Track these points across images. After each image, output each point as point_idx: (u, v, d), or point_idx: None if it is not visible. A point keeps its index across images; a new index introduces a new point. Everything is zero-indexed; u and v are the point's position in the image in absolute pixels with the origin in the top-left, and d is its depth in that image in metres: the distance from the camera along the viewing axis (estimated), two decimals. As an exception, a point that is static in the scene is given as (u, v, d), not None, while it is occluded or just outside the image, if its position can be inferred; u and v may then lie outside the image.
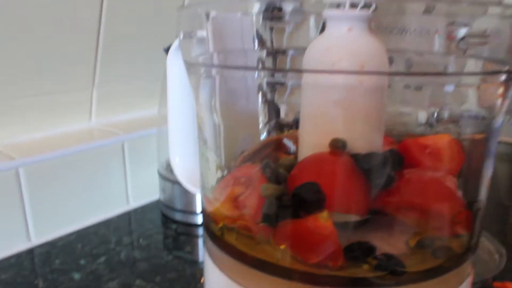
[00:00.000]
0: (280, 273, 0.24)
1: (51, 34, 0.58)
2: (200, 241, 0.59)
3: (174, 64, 0.35)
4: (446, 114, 0.31)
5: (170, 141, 0.37)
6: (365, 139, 0.27)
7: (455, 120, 0.30)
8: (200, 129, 0.29)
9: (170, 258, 0.54)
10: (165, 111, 0.38)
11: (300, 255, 0.23)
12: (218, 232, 0.26)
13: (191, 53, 0.30)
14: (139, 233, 0.60)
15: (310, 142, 0.27)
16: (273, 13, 0.30)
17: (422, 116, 0.33)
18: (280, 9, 0.32)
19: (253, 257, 0.25)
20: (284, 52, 0.35)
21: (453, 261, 0.25)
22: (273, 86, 0.35)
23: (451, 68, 0.31)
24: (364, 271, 0.23)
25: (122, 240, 0.58)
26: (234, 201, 0.26)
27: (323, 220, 0.22)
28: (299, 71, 0.27)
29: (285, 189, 0.25)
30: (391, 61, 0.31)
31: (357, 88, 0.25)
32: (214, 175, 0.29)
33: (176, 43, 0.36)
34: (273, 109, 0.34)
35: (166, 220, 0.64)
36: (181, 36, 0.29)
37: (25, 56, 0.57)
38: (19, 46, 0.56)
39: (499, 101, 0.26)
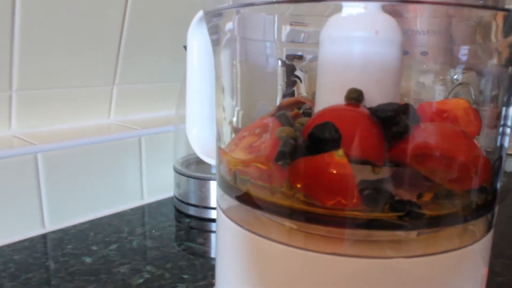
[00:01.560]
0: (294, 216, 0.24)
1: (78, 32, 0.60)
2: (213, 235, 0.58)
3: (195, 35, 0.35)
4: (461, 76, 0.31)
5: (187, 113, 0.37)
6: (381, 94, 0.26)
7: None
8: (217, 78, 0.29)
9: (181, 248, 0.53)
10: (183, 112, 0.38)
11: (315, 196, 0.23)
12: (231, 181, 0.26)
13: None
14: (152, 225, 0.60)
15: (327, 97, 0.27)
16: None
17: (439, 83, 0.33)
18: (300, 57, 0.33)
19: (266, 201, 0.24)
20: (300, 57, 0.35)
21: (472, 211, 0.24)
22: (292, 59, 0.35)
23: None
24: (381, 213, 0.22)
25: (134, 230, 0.57)
26: (249, 147, 0.26)
27: (338, 158, 0.22)
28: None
29: (300, 135, 0.24)
30: (405, 53, 0.31)
31: (372, 39, 0.25)
32: (227, 125, 0.29)
33: (197, 17, 0.36)
34: (291, 79, 0.34)
35: (180, 214, 0.63)
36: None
37: (52, 49, 0.58)
38: (45, 38, 0.57)
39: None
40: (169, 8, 0.67)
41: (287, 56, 0.34)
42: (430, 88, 0.33)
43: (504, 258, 0.51)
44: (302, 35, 0.34)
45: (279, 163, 0.23)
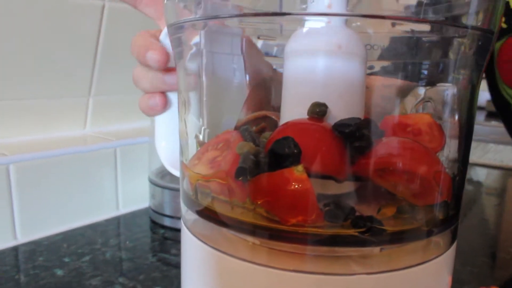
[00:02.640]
0: (257, 232, 0.23)
1: (52, 40, 0.58)
2: (187, 246, 0.57)
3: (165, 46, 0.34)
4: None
5: (156, 126, 0.36)
6: (345, 109, 0.25)
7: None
8: (180, 92, 0.28)
9: (155, 259, 0.52)
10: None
11: (276, 212, 0.22)
12: (193, 195, 0.25)
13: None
14: (127, 236, 0.58)
15: (291, 111, 0.26)
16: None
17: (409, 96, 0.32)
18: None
19: (228, 217, 0.23)
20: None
21: (434, 225, 0.23)
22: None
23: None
24: (342, 229, 0.22)
25: (108, 241, 0.56)
26: (211, 162, 0.24)
27: (298, 173, 0.21)
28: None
29: (262, 150, 0.23)
30: (371, 67, 0.31)
31: (335, 54, 0.24)
32: (193, 140, 0.28)
33: (165, 30, 0.35)
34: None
35: (155, 225, 0.62)
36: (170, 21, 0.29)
37: (25, 59, 0.57)
38: (20, 49, 0.55)
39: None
40: (145, 18, 0.66)
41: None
42: (397, 102, 0.32)
43: (471, 266, 0.51)
44: (275, 48, 0.33)
45: (239, 179, 0.22)
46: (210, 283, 0.25)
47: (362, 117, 0.26)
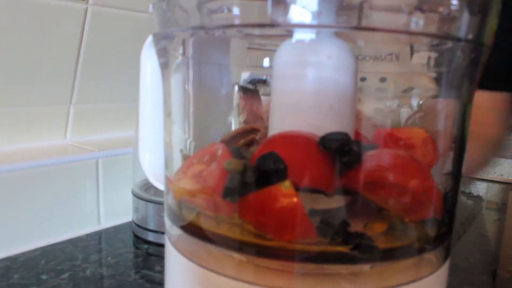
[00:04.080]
0: (243, 249, 0.23)
1: (32, 46, 0.59)
2: (172, 262, 0.57)
3: (149, 56, 0.35)
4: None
5: (139, 137, 0.36)
6: (335, 121, 0.26)
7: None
8: (164, 102, 0.28)
9: (138, 276, 0.52)
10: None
11: (266, 230, 0.22)
12: (177, 210, 0.25)
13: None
14: (108, 252, 0.58)
15: (280, 124, 0.27)
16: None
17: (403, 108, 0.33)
18: (264, 82, 0.33)
19: (214, 233, 0.24)
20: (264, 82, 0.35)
21: (426, 242, 0.24)
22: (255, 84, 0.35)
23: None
24: (331, 246, 0.22)
25: (89, 257, 0.56)
26: (196, 176, 0.25)
27: (285, 189, 0.22)
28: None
29: (249, 165, 0.24)
30: (363, 79, 0.32)
31: (325, 64, 0.25)
32: (178, 153, 0.28)
33: (149, 38, 0.36)
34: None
35: (138, 240, 0.62)
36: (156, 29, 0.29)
37: (2, 66, 0.57)
38: (1, 56, 0.56)
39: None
40: (128, 26, 0.67)
41: (251, 81, 0.34)
42: (391, 114, 0.33)
43: (469, 285, 0.51)
44: (268, 59, 0.34)
45: (227, 199, 0.23)
46: (194, 301, 0.25)
47: (353, 129, 0.27)
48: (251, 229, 0.23)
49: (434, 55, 0.28)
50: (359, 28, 0.23)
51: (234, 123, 0.35)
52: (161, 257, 0.57)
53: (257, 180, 0.23)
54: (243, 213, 0.23)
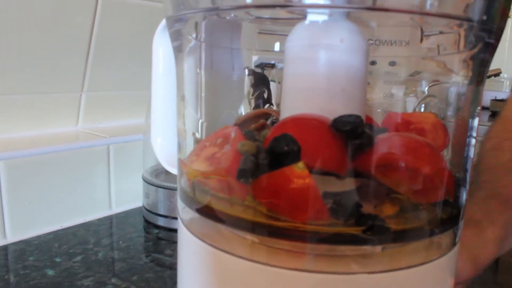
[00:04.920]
0: (256, 230, 0.23)
1: (44, 35, 0.58)
2: (182, 247, 0.57)
3: (161, 41, 0.34)
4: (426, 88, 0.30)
5: (152, 122, 0.36)
6: (347, 103, 0.26)
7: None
8: (178, 86, 0.28)
9: (149, 260, 0.52)
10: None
11: (280, 211, 0.22)
12: (191, 193, 0.25)
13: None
14: (119, 236, 0.58)
15: (292, 107, 0.26)
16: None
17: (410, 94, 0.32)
18: (273, 66, 0.33)
19: (227, 214, 0.23)
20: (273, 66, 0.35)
21: (437, 225, 0.24)
22: (264, 67, 0.34)
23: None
24: (344, 227, 0.22)
25: (101, 241, 0.56)
26: (209, 159, 0.25)
27: (299, 171, 0.21)
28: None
29: (262, 147, 0.24)
30: (373, 63, 0.31)
31: (337, 47, 0.25)
32: (190, 137, 0.28)
33: (162, 23, 0.35)
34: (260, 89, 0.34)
35: (148, 225, 0.62)
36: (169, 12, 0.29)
37: (15, 52, 0.57)
38: (11, 42, 0.56)
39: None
40: (139, 14, 0.66)
41: (259, 65, 0.34)
42: (400, 99, 0.33)
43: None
44: (278, 43, 0.33)
45: (241, 181, 0.22)
46: (207, 282, 0.25)
47: (363, 112, 0.26)
48: (264, 210, 0.23)
49: (445, 38, 0.28)
50: (373, 8, 0.23)
51: (245, 108, 0.35)
52: (171, 242, 0.58)
53: (270, 161, 0.22)
54: (256, 194, 0.23)
